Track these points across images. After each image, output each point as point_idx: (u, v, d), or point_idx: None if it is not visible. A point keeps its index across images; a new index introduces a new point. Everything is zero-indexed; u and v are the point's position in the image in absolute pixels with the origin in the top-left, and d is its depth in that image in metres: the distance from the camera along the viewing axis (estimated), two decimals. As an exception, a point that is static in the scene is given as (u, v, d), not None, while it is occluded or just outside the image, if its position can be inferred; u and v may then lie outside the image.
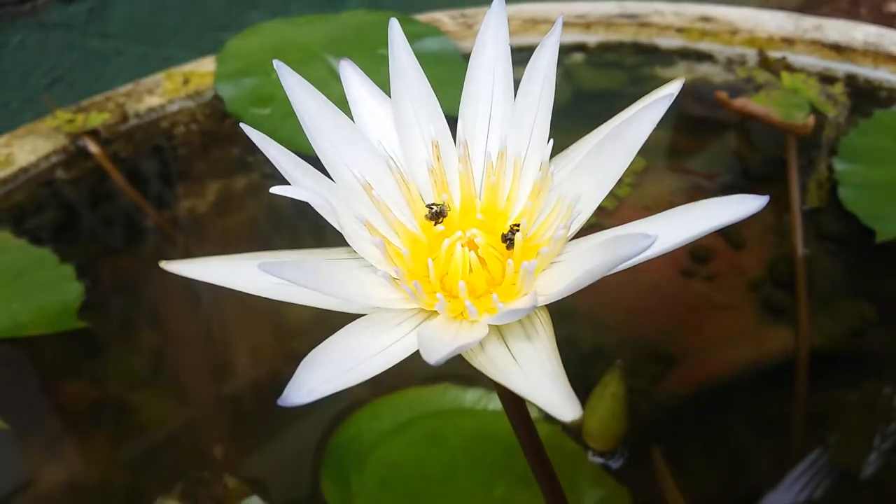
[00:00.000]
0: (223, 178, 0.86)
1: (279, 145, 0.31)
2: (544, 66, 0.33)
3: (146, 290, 0.77)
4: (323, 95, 0.33)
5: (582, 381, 0.62)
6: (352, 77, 0.36)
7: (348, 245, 0.32)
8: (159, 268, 0.30)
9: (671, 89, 0.33)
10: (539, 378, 0.26)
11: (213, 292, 0.61)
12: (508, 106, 0.34)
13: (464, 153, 0.34)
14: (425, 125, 0.34)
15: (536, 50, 0.33)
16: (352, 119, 0.35)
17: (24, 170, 0.83)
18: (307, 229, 0.75)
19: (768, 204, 0.28)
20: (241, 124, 0.30)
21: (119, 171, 0.84)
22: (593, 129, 0.37)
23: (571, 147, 0.35)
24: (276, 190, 0.28)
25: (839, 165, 0.78)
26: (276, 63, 0.32)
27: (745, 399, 0.63)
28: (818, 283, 0.70)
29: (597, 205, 0.31)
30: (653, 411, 0.62)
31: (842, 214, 0.75)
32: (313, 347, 0.27)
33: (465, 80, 0.35)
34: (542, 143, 0.33)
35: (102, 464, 0.62)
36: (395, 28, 0.35)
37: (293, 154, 0.31)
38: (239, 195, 0.84)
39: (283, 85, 0.33)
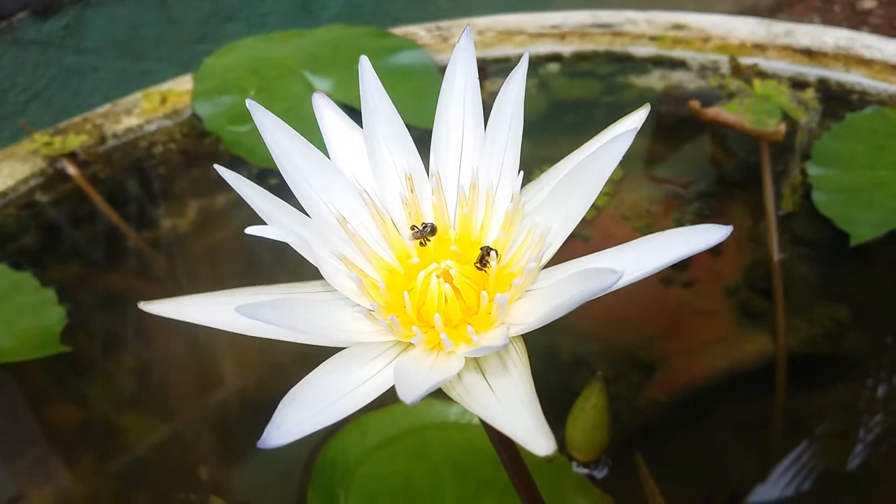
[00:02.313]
0: (204, 197, 0.86)
1: (253, 184, 0.31)
2: (512, 99, 0.34)
3: (128, 310, 0.77)
4: (296, 132, 0.34)
5: (564, 390, 0.63)
6: (325, 110, 0.37)
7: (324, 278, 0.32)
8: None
9: (634, 121, 0.34)
10: (515, 410, 0.27)
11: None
12: (479, 137, 0.35)
13: (437, 185, 0.35)
14: (398, 159, 0.35)
15: (504, 84, 0.34)
16: (326, 152, 0.35)
17: (2, 194, 0.83)
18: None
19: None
20: (216, 165, 0.30)
21: (98, 193, 0.84)
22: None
23: (542, 175, 0.36)
24: (251, 231, 0.29)
25: (812, 170, 0.79)
26: (249, 102, 0.33)
27: (726, 403, 0.64)
28: (794, 288, 0.71)
29: (567, 235, 0.31)
30: (635, 418, 0.63)
31: (816, 218, 0.76)
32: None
33: (435, 113, 0.36)
34: (513, 175, 0.34)
35: (90, 486, 0.63)
36: (365, 65, 0.35)
37: (267, 192, 0.31)
38: (220, 212, 0.84)
39: (256, 123, 0.33)
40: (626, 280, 0.27)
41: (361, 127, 0.37)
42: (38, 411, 0.69)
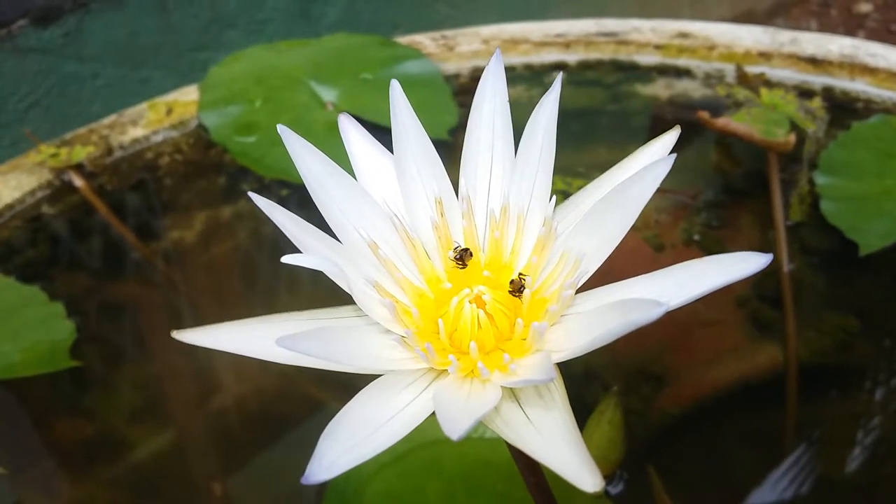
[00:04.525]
0: (210, 208, 0.85)
1: (286, 211, 0.31)
2: (545, 122, 0.33)
3: (137, 324, 0.76)
4: (327, 157, 0.33)
5: (576, 404, 0.63)
6: (352, 133, 0.37)
7: (353, 303, 0.32)
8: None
9: (666, 143, 0.33)
10: (557, 444, 0.27)
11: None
12: (509, 160, 0.35)
13: (467, 209, 0.34)
14: (428, 182, 0.35)
15: (537, 106, 0.34)
16: (353, 175, 0.35)
17: (9, 206, 0.82)
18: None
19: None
20: (250, 193, 0.30)
21: (105, 205, 0.84)
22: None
23: (572, 197, 0.35)
24: (287, 259, 0.29)
25: (820, 179, 0.79)
26: (280, 128, 0.32)
27: (737, 414, 0.64)
28: (804, 298, 0.71)
29: (602, 261, 0.31)
30: (647, 431, 0.63)
31: (824, 228, 0.76)
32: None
33: (465, 135, 0.36)
34: (545, 198, 0.33)
35: (99, 501, 0.62)
36: (396, 89, 0.35)
37: (301, 219, 0.31)
38: (226, 224, 0.84)
39: (287, 148, 0.33)
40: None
41: (382, 145, 0.37)
42: (47, 425, 0.69)
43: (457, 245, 0.34)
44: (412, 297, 0.34)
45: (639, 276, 0.31)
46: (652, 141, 0.35)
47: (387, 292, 0.32)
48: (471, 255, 0.33)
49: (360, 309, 0.32)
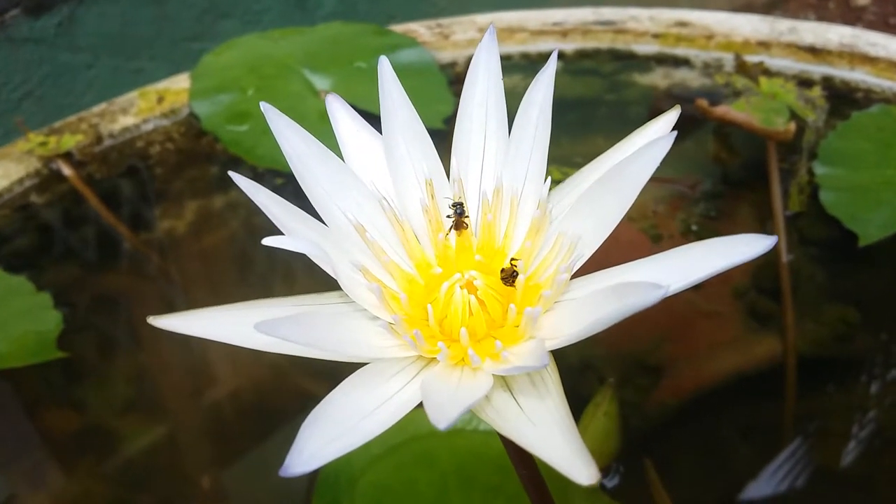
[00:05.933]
0: (201, 197, 0.84)
1: (270, 192, 0.30)
2: (539, 100, 0.32)
3: (126, 314, 0.75)
4: (312, 137, 0.32)
5: (571, 396, 0.62)
6: (339, 113, 0.35)
7: (340, 289, 0.31)
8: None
9: (666, 123, 0.32)
10: (551, 434, 0.26)
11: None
12: (502, 141, 0.34)
13: (459, 191, 0.33)
14: (418, 163, 0.34)
15: (531, 84, 0.32)
16: (341, 157, 0.34)
17: (-3, 194, 0.81)
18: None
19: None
20: (230, 172, 0.29)
21: (94, 194, 0.83)
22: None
23: (569, 179, 0.34)
24: (268, 241, 0.27)
25: (819, 169, 0.78)
26: (263, 104, 0.31)
27: (735, 406, 0.63)
28: (803, 289, 0.70)
29: (598, 244, 0.30)
30: (644, 423, 0.62)
31: (824, 218, 0.75)
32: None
33: (457, 114, 0.34)
34: (539, 180, 0.32)
35: (87, 495, 0.61)
36: (385, 66, 0.34)
37: (284, 201, 0.30)
38: (218, 214, 0.83)
39: (271, 126, 0.32)
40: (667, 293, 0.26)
41: (374, 128, 0.36)
42: (36, 417, 0.68)
43: (453, 203, 0.32)
44: (401, 282, 0.32)
45: (638, 260, 0.29)
46: (650, 122, 0.33)
47: (374, 276, 0.31)
48: (463, 211, 0.32)
49: (347, 295, 0.31)
